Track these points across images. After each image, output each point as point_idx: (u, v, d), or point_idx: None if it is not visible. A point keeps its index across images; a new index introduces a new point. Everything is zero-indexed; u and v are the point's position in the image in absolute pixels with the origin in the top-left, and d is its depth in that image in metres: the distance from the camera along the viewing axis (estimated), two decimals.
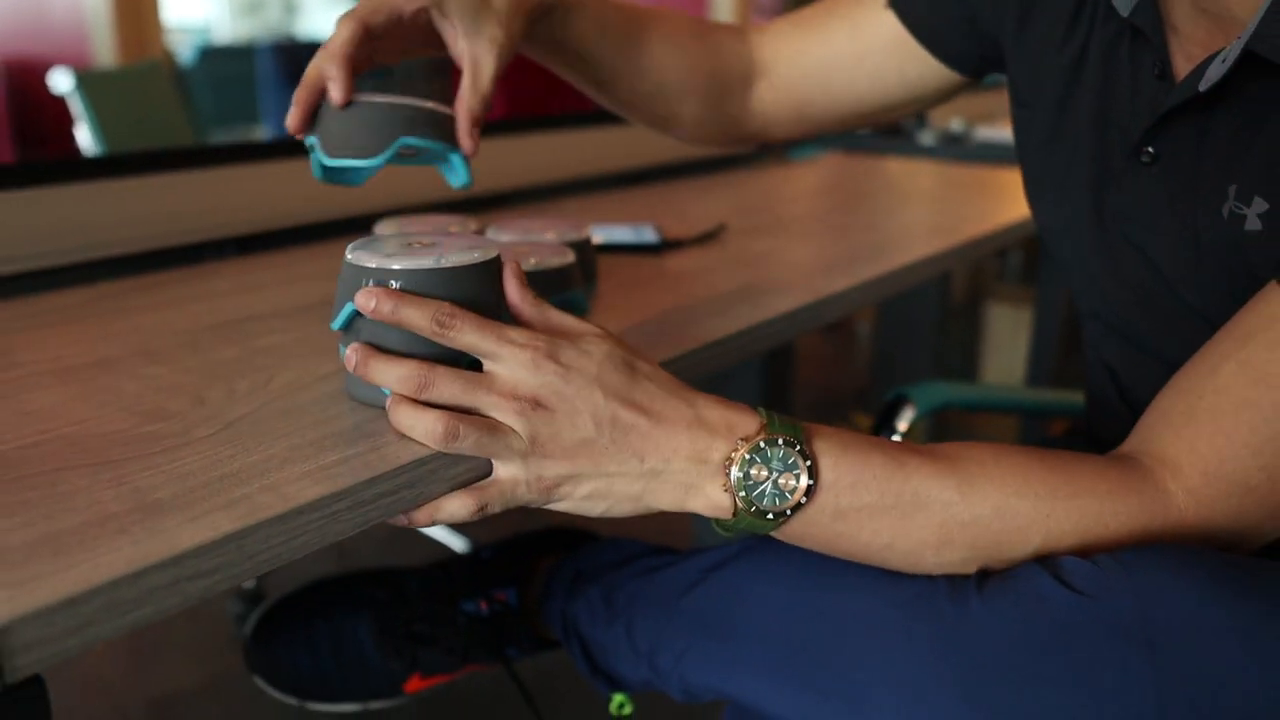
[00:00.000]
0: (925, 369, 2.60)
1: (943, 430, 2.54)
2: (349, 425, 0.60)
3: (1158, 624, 0.52)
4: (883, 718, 0.58)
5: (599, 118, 1.56)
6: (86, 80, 1.91)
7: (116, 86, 2.08)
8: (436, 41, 0.73)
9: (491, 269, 0.61)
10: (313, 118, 0.70)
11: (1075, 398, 1.16)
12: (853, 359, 3.37)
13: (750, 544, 0.71)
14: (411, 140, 0.67)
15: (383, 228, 0.88)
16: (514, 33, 0.72)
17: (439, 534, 1.68)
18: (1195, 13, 0.66)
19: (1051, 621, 0.54)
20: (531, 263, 0.73)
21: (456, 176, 0.72)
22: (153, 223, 1.10)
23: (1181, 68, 0.68)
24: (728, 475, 0.57)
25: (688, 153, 1.64)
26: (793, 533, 0.60)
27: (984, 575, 0.59)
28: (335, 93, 0.67)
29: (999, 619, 0.56)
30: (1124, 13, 0.70)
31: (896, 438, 1.05)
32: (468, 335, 0.56)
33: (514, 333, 0.57)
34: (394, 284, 0.58)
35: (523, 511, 0.61)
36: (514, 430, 0.56)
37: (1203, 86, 0.64)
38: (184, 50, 3.15)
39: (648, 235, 1.08)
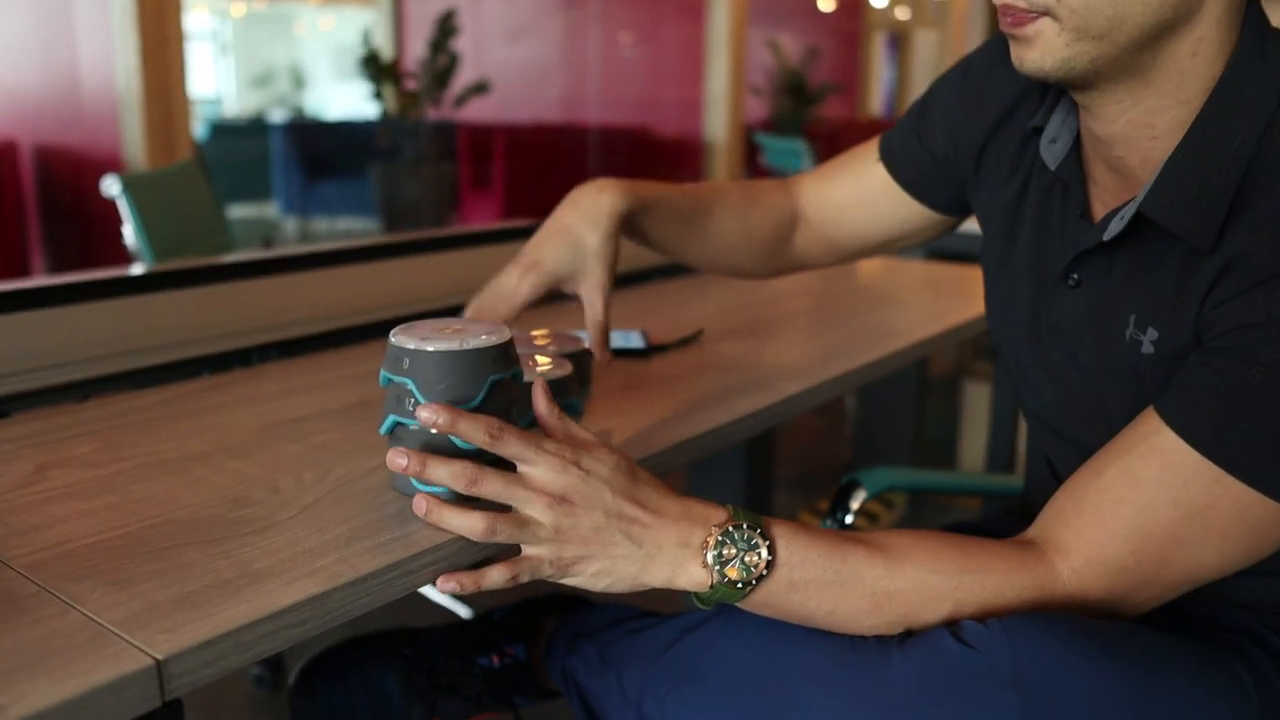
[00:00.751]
0: (905, 446, 2.76)
1: (921, 506, 2.70)
2: (395, 511, 0.77)
3: (1025, 669, 0.69)
4: None
5: None
6: (131, 184, 2.10)
7: (158, 187, 2.28)
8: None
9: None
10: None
11: (1010, 480, 1.33)
12: (842, 434, 3.53)
13: (720, 610, 0.87)
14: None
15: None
16: (612, 264, 0.98)
17: (443, 601, 1.84)
18: (1108, 170, 0.84)
19: (947, 671, 0.71)
20: (536, 374, 0.91)
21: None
22: (212, 327, 1.27)
23: (1099, 211, 0.86)
24: (705, 555, 0.74)
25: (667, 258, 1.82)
26: (756, 602, 0.76)
27: (905, 634, 0.76)
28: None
29: (910, 669, 0.72)
30: (1052, 167, 0.88)
31: (849, 518, 1.22)
32: (512, 446, 0.73)
33: (546, 443, 0.74)
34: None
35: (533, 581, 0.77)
36: (540, 521, 0.72)
37: (1106, 237, 0.81)
38: (198, 126, 3.34)
39: (635, 341, 1.26)
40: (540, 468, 0.73)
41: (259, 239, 4.65)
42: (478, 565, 0.73)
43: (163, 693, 0.57)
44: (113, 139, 3.50)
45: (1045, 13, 0.74)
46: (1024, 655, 0.69)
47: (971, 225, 1.08)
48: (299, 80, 17.88)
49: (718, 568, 0.74)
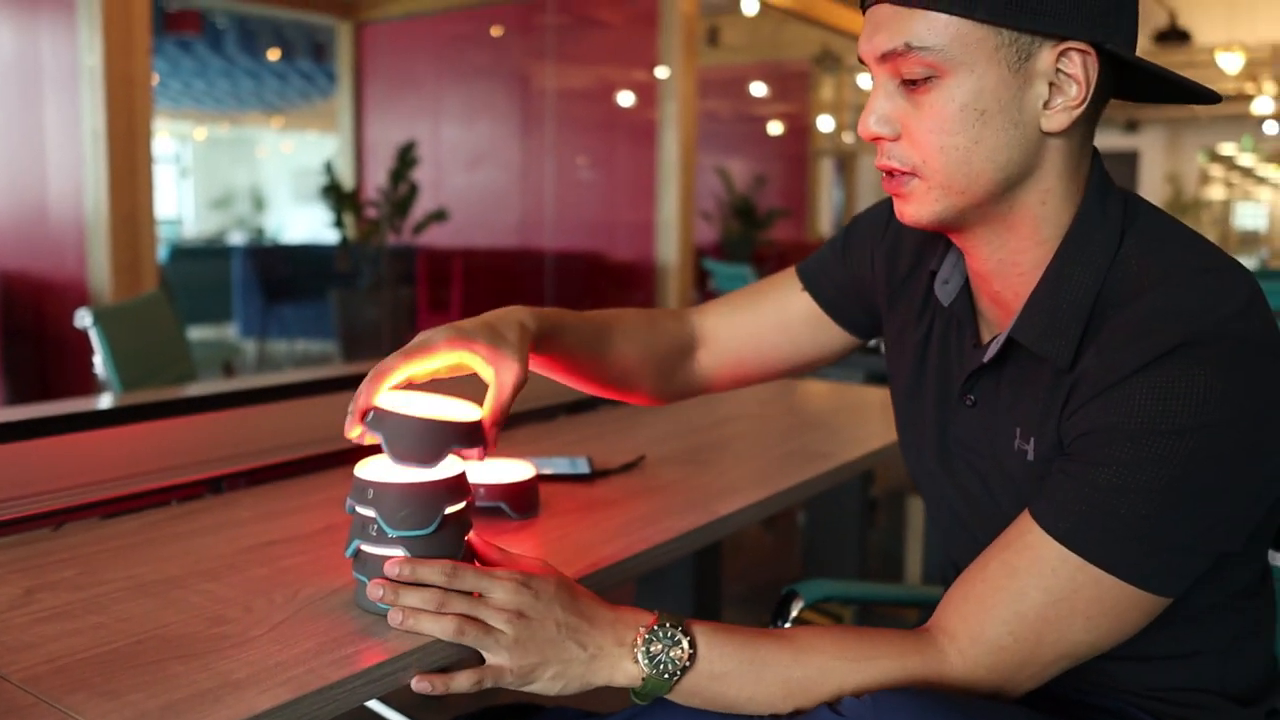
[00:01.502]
0: (852, 559, 2.85)
1: (868, 617, 2.78)
2: (359, 627, 0.86)
3: None
4: None
5: None
6: (103, 315, 2.19)
7: (127, 318, 2.37)
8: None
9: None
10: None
11: (936, 591, 1.43)
12: (793, 548, 3.62)
13: (655, 704, 0.96)
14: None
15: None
16: (524, 363, 0.99)
17: (394, 715, 1.89)
18: (991, 303, 0.97)
19: None
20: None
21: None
22: (182, 456, 1.36)
23: (987, 338, 0.99)
24: (636, 652, 0.85)
25: None
26: (683, 692, 0.86)
27: (794, 713, 0.86)
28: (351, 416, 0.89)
29: None
30: (945, 303, 1.01)
31: (788, 625, 1.31)
32: (469, 580, 0.85)
33: (499, 572, 0.86)
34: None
35: (485, 693, 0.86)
36: (503, 630, 0.83)
37: (985, 359, 0.94)
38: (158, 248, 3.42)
39: (581, 466, 1.36)
40: (497, 592, 0.85)
41: (219, 363, 4.72)
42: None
43: None
44: (78, 266, 3.60)
45: (915, 173, 0.88)
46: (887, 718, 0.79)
47: None
48: (259, 203, 18.14)
49: (647, 662, 0.85)
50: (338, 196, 6.17)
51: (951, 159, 0.86)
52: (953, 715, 0.79)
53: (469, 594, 0.85)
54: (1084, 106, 0.85)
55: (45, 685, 0.74)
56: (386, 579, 0.85)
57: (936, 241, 1.05)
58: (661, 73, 6.38)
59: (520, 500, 1.17)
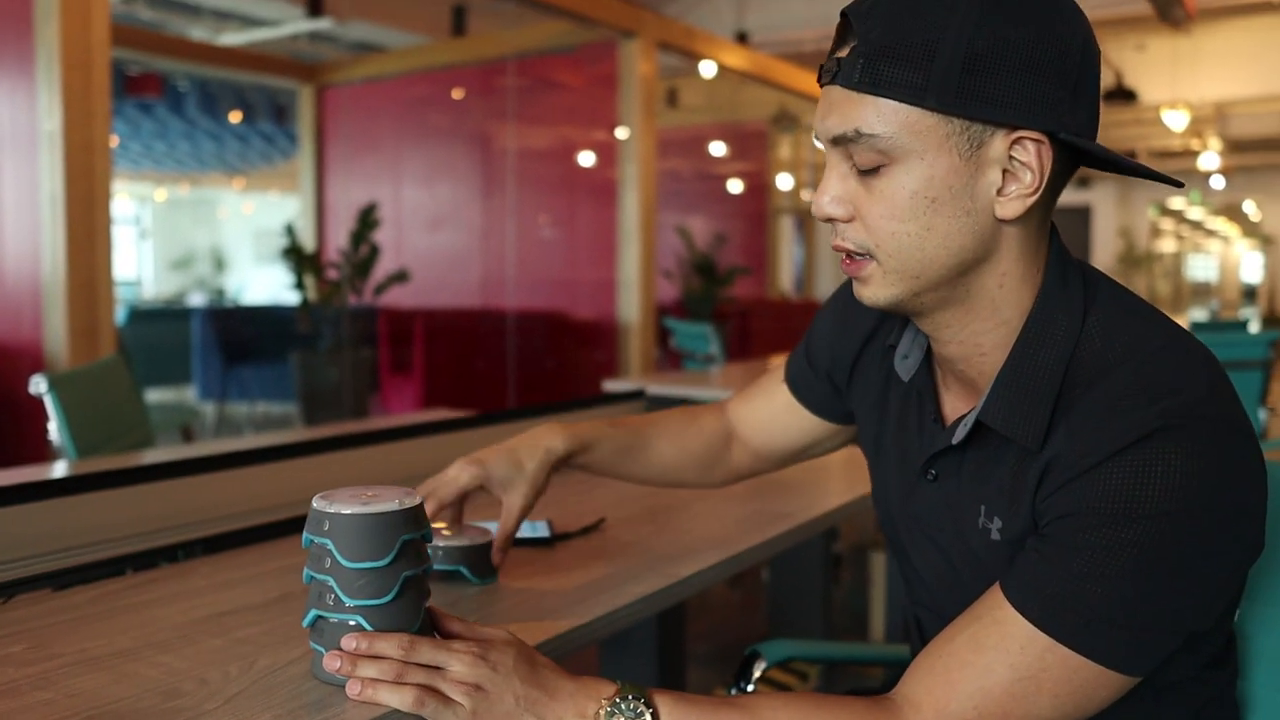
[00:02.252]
0: (816, 617, 2.84)
1: (836, 675, 2.77)
2: (316, 698, 0.85)
3: None
4: None
5: (506, 417, 1.87)
6: (58, 381, 2.17)
7: (84, 384, 2.35)
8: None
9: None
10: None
11: (902, 649, 1.43)
12: (758, 607, 3.61)
13: None
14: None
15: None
16: (538, 488, 1.18)
17: None
18: (955, 380, 0.98)
19: None
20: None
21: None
22: (137, 525, 1.34)
23: (949, 414, 0.99)
24: None
25: None
26: None
27: None
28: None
29: None
30: (905, 379, 1.02)
31: (750, 687, 1.31)
32: (425, 653, 0.85)
33: (456, 644, 0.86)
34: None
35: None
36: (461, 703, 0.83)
37: (954, 441, 0.94)
38: (116, 310, 3.37)
39: (542, 530, 1.36)
40: (455, 665, 0.84)
41: (177, 426, 4.67)
42: None
43: None
44: (34, 330, 3.56)
45: (870, 255, 0.89)
46: None
47: None
48: (220, 264, 18.05)
49: None
50: (299, 258, 6.16)
51: (904, 244, 0.86)
52: None
53: (426, 666, 0.85)
54: (1038, 194, 0.85)
55: None
56: (344, 652, 0.85)
57: (888, 315, 1.07)
58: (621, 133, 6.46)
59: (480, 563, 1.17)
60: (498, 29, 7.53)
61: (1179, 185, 0.91)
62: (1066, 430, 0.84)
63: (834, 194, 0.89)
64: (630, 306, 6.40)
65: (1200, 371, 0.83)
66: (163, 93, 8.84)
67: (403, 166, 7.87)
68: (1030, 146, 0.83)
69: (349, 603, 0.86)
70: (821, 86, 0.89)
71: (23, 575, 1.17)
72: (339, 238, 7.18)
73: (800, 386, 1.23)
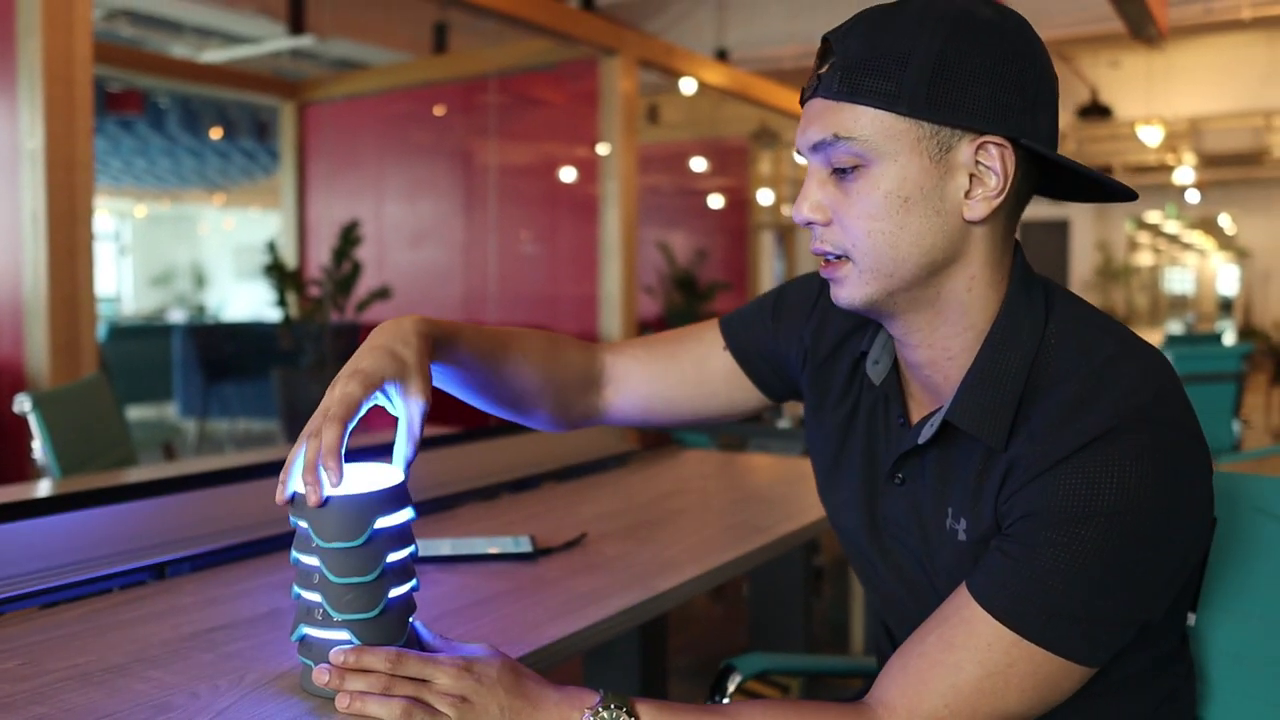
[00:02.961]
0: (797, 630, 2.87)
1: (817, 687, 2.80)
2: (306, 710, 0.87)
3: None
4: None
5: (489, 433, 1.89)
6: (42, 400, 2.18)
7: (67, 402, 2.36)
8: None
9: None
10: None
11: (873, 660, 1.46)
12: (740, 620, 3.63)
13: None
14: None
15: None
16: (428, 378, 0.97)
17: None
18: (921, 385, 1.01)
19: None
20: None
21: None
22: (125, 541, 1.36)
23: (916, 418, 1.03)
24: None
25: (556, 462, 1.97)
26: None
27: None
28: (331, 481, 0.88)
29: None
30: (876, 383, 1.06)
31: (726, 700, 1.33)
32: (412, 667, 0.87)
33: (442, 657, 0.88)
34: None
35: None
36: (447, 714, 0.85)
37: (920, 440, 0.98)
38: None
39: (524, 545, 1.39)
40: (441, 678, 0.87)
41: (158, 443, 4.67)
42: None
43: None
44: (15, 348, 3.56)
45: (846, 256, 0.93)
46: None
47: None
48: (200, 280, 18.01)
49: None
50: (281, 275, 6.16)
51: (878, 243, 0.91)
52: None
53: (413, 679, 0.87)
54: (1003, 197, 0.90)
55: None
56: (332, 666, 0.87)
57: (863, 322, 1.10)
58: (603, 150, 6.50)
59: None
60: (479, 46, 7.58)
61: (1133, 196, 0.96)
62: (1028, 433, 0.89)
63: (813, 200, 0.93)
64: (612, 322, 6.43)
65: (1152, 378, 0.88)
66: (144, 109, 8.85)
67: (385, 183, 7.89)
68: (994, 151, 0.89)
69: (337, 617, 0.89)
70: (803, 104, 0.95)
71: (10, 594, 1.19)
72: (321, 254, 7.19)
73: (749, 358, 1.20)
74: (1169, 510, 0.84)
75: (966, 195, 0.90)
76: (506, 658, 0.92)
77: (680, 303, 7.80)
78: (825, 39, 0.94)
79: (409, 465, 0.95)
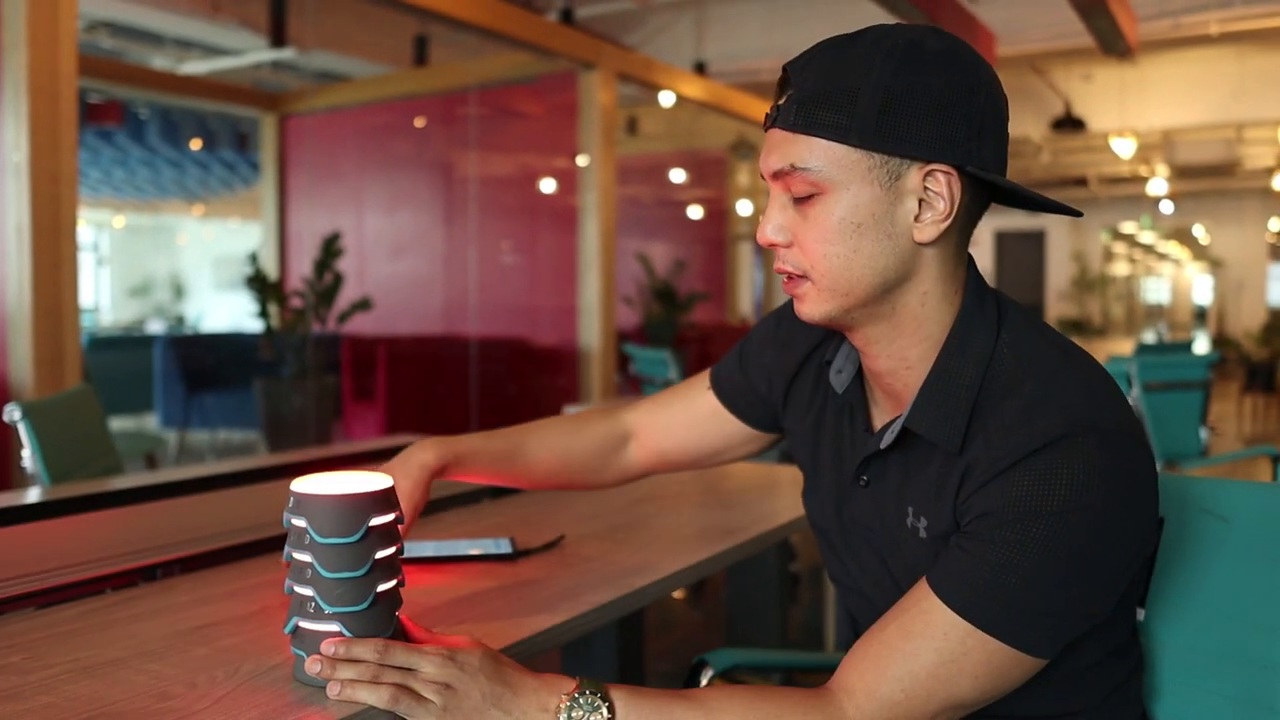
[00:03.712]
0: (773, 630, 2.93)
1: (792, 684, 2.85)
2: (299, 697, 0.93)
3: None
4: None
5: None
6: (31, 409, 2.22)
7: (56, 411, 2.40)
8: None
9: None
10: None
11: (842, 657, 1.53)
12: (719, 626, 3.69)
13: None
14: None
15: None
16: (418, 505, 1.20)
17: None
18: (882, 392, 1.08)
19: None
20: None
21: None
22: (117, 544, 1.41)
23: (878, 424, 1.09)
24: (559, 717, 0.93)
25: None
26: None
27: None
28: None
29: None
30: (839, 391, 1.12)
31: None
32: (399, 656, 0.93)
33: (427, 647, 0.94)
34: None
35: None
36: (432, 700, 0.91)
37: (882, 445, 1.04)
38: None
39: (504, 547, 1.45)
40: (426, 666, 0.93)
41: (140, 454, 4.69)
42: None
43: None
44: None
45: (806, 276, 1.00)
46: None
47: None
48: (179, 290, 17.96)
49: None
50: (262, 286, 6.19)
51: (834, 265, 0.97)
52: None
53: (400, 668, 0.93)
54: (951, 220, 0.96)
55: None
56: (324, 656, 0.93)
57: (827, 334, 1.17)
58: (582, 161, 6.57)
59: None
60: (459, 59, 7.64)
61: (1077, 214, 1.02)
62: (984, 438, 0.95)
63: (775, 223, 1.00)
64: (591, 333, 6.49)
65: (1097, 386, 0.95)
66: (123, 120, 8.86)
67: (365, 195, 7.93)
68: (941, 178, 0.95)
69: (328, 610, 0.94)
70: (765, 131, 1.01)
71: (7, 595, 1.24)
72: (301, 265, 7.22)
73: (728, 394, 1.31)
74: (1116, 509, 0.90)
75: (916, 219, 0.96)
76: (488, 648, 0.97)
77: (659, 313, 7.86)
78: (785, 69, 1.00)
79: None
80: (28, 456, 2.19)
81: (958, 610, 0.92)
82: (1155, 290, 24.88)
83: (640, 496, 1.89)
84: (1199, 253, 21.41)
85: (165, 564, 1.39)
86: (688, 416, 1.34)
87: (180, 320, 16.55)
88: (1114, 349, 7.69)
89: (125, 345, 9.73)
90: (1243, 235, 17.49)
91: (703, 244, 10.69)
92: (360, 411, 6.78)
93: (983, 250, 18.03)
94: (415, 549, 1.43)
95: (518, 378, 6.99)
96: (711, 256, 10.73)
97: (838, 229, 0.96)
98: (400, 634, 0.99)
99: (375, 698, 0.90)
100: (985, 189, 1.00)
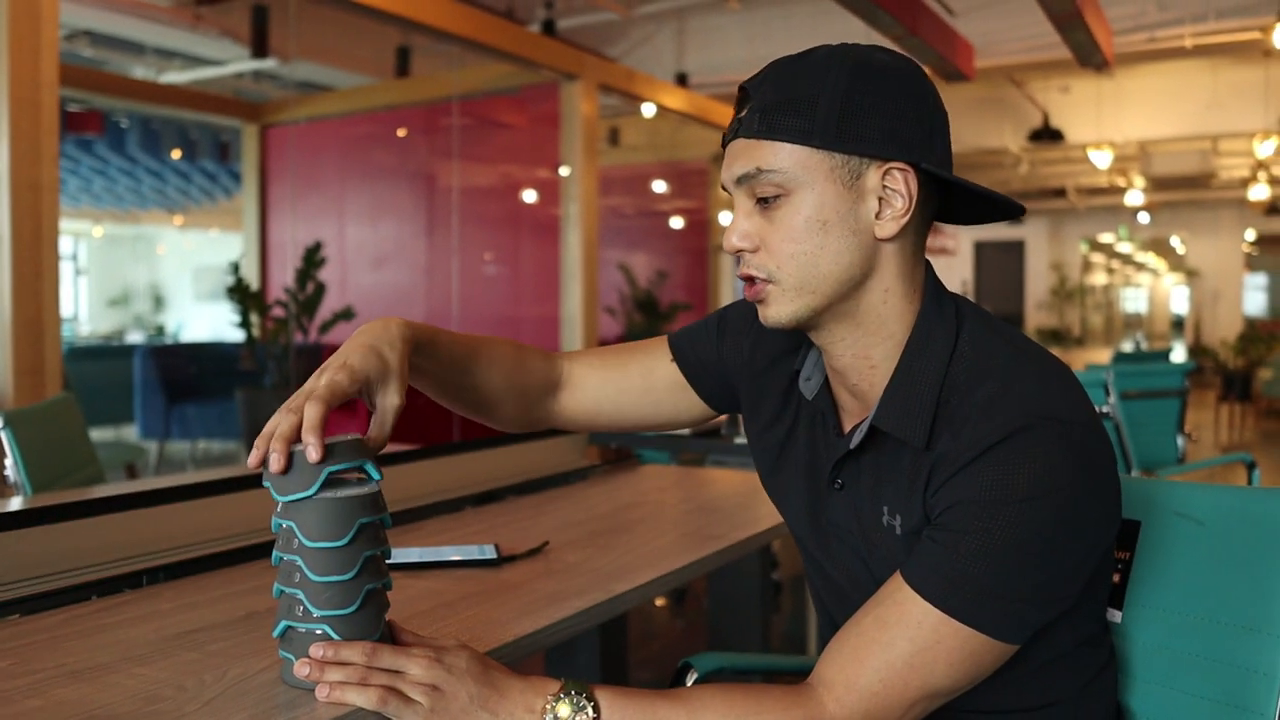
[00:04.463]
0: (755, 636, 2.94)
1: None
2: (287, 700, 0.94)
3: None
4: None
5: (458, 448, 1.96)
6: (14, 418, 2.22)
7: (38, 421, 2.40)
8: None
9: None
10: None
11: None
12: (700, 629, 3.71)
13: None
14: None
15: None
16: (405, 385, 1.07)
17: None
18: (850, 395, 1.10)
19: None
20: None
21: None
22: (101, 552, 1.42)
23: (849, 427, 1.11)
24: (545, 718, 0.94)
25: (519, 476, 2.04)
26: None
27: None
28: (313, 455, 0.95)
29: None
30: (809, 398, 1.14)
31: None
32: (387, 659, 0.94)
33: (414, 650, 0.96)
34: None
35: None
36: (420, 702, 0.92)
37: (852, 446, 1.07)
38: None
39: (488, 553, 1.46)
40: (413, 668, 0.94)
41: (120, 465, 4.68)
42: None
43: None
44: None
45: (771, 279, 1.02)
46: None
47: None
48: (159, 301, 17.87)
49: None
50: (244, 296, 6.19)
51: (801, 263, 1.01)
52: None
53: (387, 670, 0.94)
54: (909, 215, 1.01)
55: None
56: (312, 658, 0.94)
57: (796, 344, 1.19)
58: (564, 172, 6.59)
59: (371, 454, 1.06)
60: (442, 70, 7.65)
61: (1021, 210, 1.06)
62: (950, 433, 0.98)
63: (742, 230, 1.03)
64: (573, 343, 6.51)
65: (1053, 380, 0.98)
66: (104, 130, 8.83)
67: (347, 205, 7.93)
68: (899, 175, 1.00)
69: (316, 613, 0.95)
70: (725, 146, 1.05)
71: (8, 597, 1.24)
72: (283, 275, 7.21)
73: (694, 366, 1.29)
74: (1079, 495, 0.93)
75: (877, 216, 1.01)
76: (474, 650, 0.99)
77: (641, 323, 7.89)
78: (743, 88, 1.04)
79: (378, 450, 1.04)
80: (10, 466, 2.18)
81: (930, 599, 0.94)
82: (1133, 300, 25.08)
83: (622, 503, 1.90)
84: (1176, 263, 21.59)
85: (151, 570, 1.40)
86: (642, 382, 1.30)
87: (160, 330, 16.46)
88: (1092, 358, 7.75)
89: (105, 356, 9.67)
90: (1218, 246, 17.65)
91: (684, 254, 10.72)
92: (342, 421, 6.74)
93: (962, 260, 18.14)
94: (400, 555, 1.44)
95: None
96: (693, 267, 10.76)
97: (804, 228, 1.00)
98: (387, 637, 1.00)
99: (363, 699, 0.91)
100: (935, 191, 1.04)
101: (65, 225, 15.92)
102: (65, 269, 17.22)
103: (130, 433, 7.84)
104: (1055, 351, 1.09)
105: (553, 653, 2.13)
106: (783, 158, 0.99)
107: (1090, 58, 6.46)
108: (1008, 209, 1.06)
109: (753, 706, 0.96)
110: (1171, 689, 1.14)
